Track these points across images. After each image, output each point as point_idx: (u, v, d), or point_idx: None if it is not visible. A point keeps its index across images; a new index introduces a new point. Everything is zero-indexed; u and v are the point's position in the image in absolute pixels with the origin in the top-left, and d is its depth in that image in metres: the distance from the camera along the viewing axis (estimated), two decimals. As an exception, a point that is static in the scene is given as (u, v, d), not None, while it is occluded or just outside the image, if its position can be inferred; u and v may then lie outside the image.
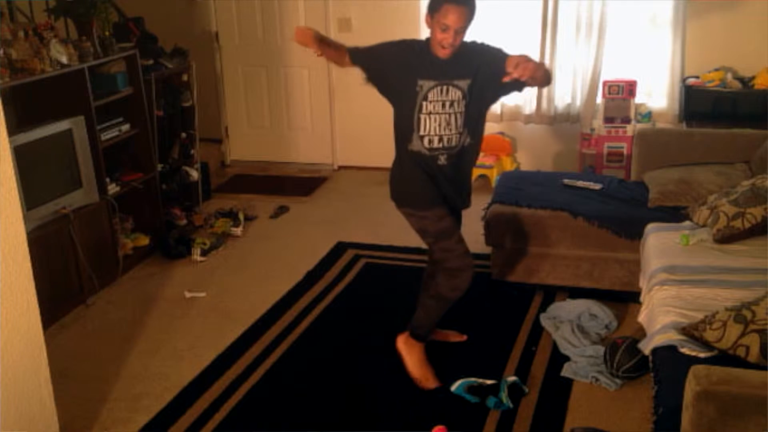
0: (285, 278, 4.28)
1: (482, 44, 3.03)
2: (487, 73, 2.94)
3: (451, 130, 2.97)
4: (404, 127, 3.03)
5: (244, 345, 3.59)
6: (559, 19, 5.37)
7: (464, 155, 3.07)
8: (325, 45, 2.97)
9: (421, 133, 2.98)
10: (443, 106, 2.95)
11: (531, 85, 2.98)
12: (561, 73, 5.51)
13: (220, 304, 4.06)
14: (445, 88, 2.93)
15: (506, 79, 2.82)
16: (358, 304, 3.99)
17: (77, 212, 4.01)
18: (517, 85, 2.96)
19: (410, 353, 3.22)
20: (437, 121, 2.96)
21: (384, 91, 3.05)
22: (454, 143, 3.01)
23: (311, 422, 3.01)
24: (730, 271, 2.99)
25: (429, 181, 3.05)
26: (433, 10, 2.86)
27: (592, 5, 5.27)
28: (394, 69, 2.98)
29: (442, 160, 3.02)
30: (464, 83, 2.95)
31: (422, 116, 2.96)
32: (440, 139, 2.98)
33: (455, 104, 2.95)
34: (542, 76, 2.95)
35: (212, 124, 6.29)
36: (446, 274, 3.10)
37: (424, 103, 2.94)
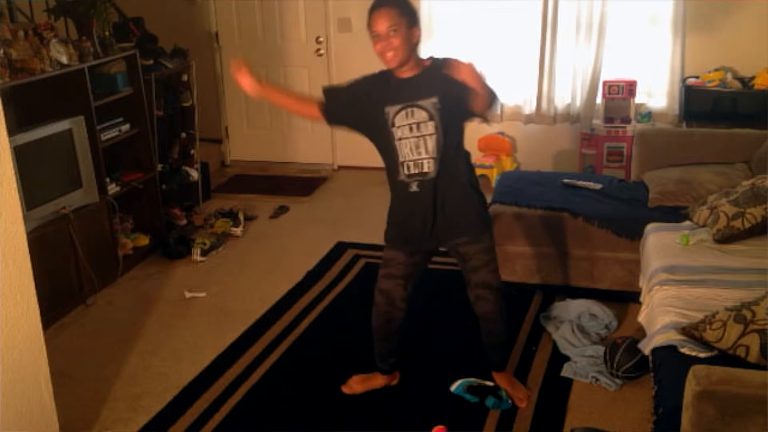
0: (285, 278, 4.28)
1: (446, 59, 2.81)
2: (455, 88, 2.65)
3: (421, 154, 2.80)
4: (388, 159, 2.91)
5: (244, 345, 3.59)
6: (559, 20, 5.36)
7: (440, 185, 2.84)
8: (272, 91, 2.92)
9: (400, 159, 2.85)
10: (410, 129, 2.79)
11: (480, 106, 2.71)
12: (561, 73, 5.50)
13: (220, 304, 4.06)
14: (410, 110, 2.77)
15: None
16: (357, 304, 3.99)
17: (77, 212, 4.01)
18: (480, 113, 2.78)
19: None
20: (408, 146, 2.81)
21: (364, 130, 2.95)
22: (426, 169, 2.81)
23: (311, 422, 3.02)
24: (730, 271, 2.99)
25: (400, 218, 2.95)
26: (368, 28, 2.81)
27: (592, 5, 5.27)
28: (365, 103, 2.87)
29: (414, 187, 2.85)
30: (428, 102, 2.74)
31: (396, 143, 2.82)
32: (414, 165, 2.82)
33: (422, 126, 2.77)
34: (485, 92, 2.63)
35: (212, 124, 6.29)
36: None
37: (393, 129, 2.80)
